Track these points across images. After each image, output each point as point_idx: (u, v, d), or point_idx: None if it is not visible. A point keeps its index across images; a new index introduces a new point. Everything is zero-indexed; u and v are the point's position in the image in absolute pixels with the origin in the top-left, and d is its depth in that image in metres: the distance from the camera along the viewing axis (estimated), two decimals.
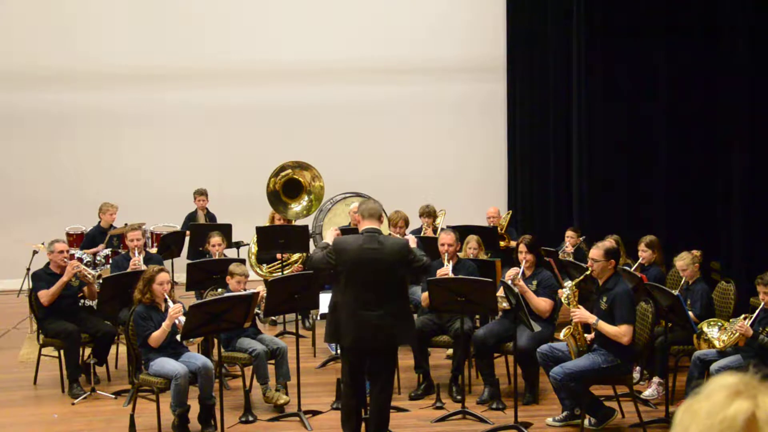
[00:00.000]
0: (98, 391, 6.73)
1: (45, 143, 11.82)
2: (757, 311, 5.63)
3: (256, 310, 6.27)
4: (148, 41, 11.74)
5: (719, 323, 5.79)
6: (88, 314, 7.21)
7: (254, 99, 11.89)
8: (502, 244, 9.02)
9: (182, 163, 11.76)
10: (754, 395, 1.31)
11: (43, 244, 8.02)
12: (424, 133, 12.15)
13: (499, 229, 9.35)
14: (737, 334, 5.53)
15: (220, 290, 6.81)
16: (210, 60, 11.76)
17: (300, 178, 9.57)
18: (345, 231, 8.07)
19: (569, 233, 8.67)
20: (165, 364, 5.75)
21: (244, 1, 11.96)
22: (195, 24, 11.85)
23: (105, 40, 11.75)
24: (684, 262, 6.57)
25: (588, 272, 5.85)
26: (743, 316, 5.76)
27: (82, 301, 7.26)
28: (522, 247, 6.57)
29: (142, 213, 10.22)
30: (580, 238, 8.66)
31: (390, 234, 8.10)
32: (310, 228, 9.39)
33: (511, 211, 10.19)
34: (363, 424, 5.35)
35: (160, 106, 11.86)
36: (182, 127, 11.91)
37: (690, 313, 6.06)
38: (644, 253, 7.17)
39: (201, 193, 10.33)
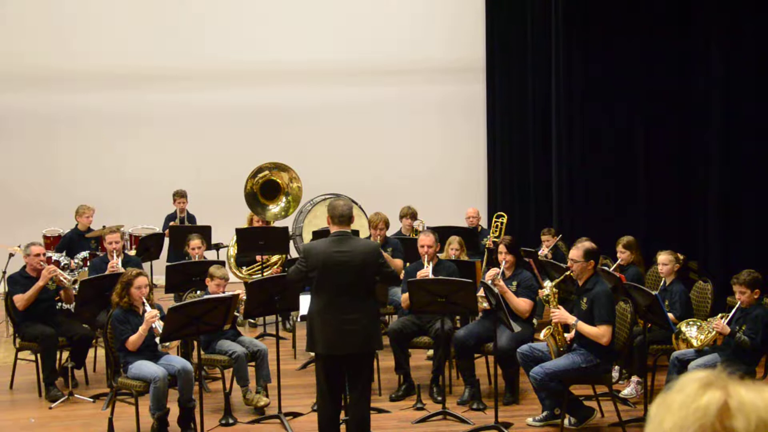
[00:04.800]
0: (76, 395, 6.67)
1: (21, 144, 11.71)
2: (733, 310, 5.69)
3: (236, 313, 6.24)
4: (131, 43, 11.68)
5: (697, 323, 5.84)
6: (66, 317, 7.14)
7: (235, 100, 11.85)
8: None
9: (161, 164, 11.69)
10: (725, 385, 1.35)
11: (19, 246, 7.94)
12: (405, 135, 12.16)
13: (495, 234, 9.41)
14: (714, 332, 5.59)
15: (199, 292, 6.77)
16: (190, 62, 11.70)
17: (278, 180, 9.55)
18: (326, 233, 8.09)
19: (544, 237, 8.73)
20: (143, 367, 5.71)
21: (228, 3, 11.91)
22: (176, 26, 11.79)
23: (92, 42, 11.66)
24: (666, 257, 6.60)
25: (568, 273, 5.88)
26: (720, 315, 5.81)
27: (59, 304, 7.19)
28: (502, 248, 6.60)
29: (121, 214, 10.15)
30: (556, 237, 8.70)
31: (369, 236, 8.12)
32: (290, 229, 9.37)
33: (505, 215, 10.06)
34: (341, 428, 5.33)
35: (140, 107, 11.78)
36: (161, 128, 11.85)
37: (669, 314, 6.11)
38: (622, 255, 7.22)
39: (181, 195, 10.26)
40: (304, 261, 5.10)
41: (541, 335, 5.89)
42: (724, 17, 7.98)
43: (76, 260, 8.40)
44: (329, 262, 5.00)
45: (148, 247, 9.31)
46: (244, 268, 9.11)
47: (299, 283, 5.29)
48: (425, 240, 6.79)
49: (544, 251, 8.52)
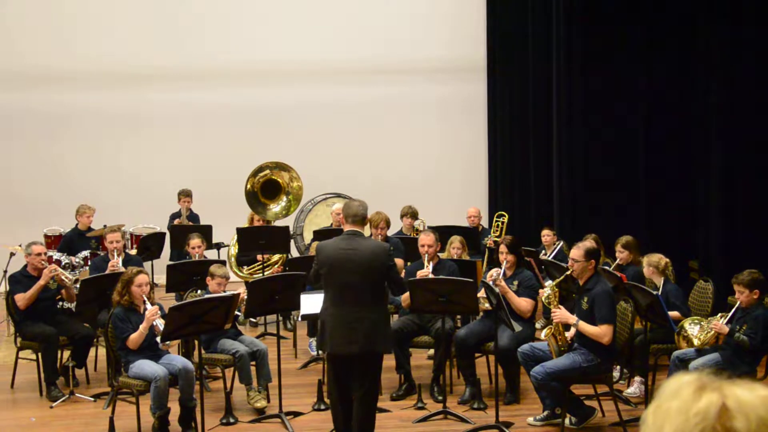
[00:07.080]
0: (77, 394, 6.68)
1: (22, 144, 11.72)
2: (733, 310, 5.69)
3: (237, 312, 6.24)
4: (131, 43, 11.68)
5: (700, 322, 5.83)
6: (67, 317, 7.15)
7: (235, 100, 11.86)
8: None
9: (161, 164, 11.70)
10: (719, 387, 1.36)
11: (20, 246, 7.94)
12: (405, 135, 12.17)
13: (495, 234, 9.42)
14: (713, 332, 5.59)
15: (200, 292, 6.77)
16: (190, 62, 11.71)
17: (278, 179, 9.55)
18: (327, 232, 8.10)
19: (545, 237, 8.72)
20: (144, 367, 5.71)
21: (228, 3, 11.92)
22: (176, 26, 11.80)
23: (92, 42, 11.67)
24: (651, 259, 6.56)
25: (568, 272, 5.89)
26: (720, 315, 5.81)
27: (60, 303, 7.19)
28: (503, 248, 6.60)
29: (122, 214, 10.15)
30: (556, 239, 8.69)
31: (371, 235, 8.13)
32: (290, 229, 9.38)
33: (506, 214, 10.10)
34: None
35: (140, 107, 11.80)
36: (161, 128, 11.85)
37: (675, 312, 6.10)
38: (621, 254, 7.21)
39: (186, 194, 10.26)
40: (316, 258, 5.16)
41: (542, 335, 5.90)
42: (725, 21, 7.99)
43: (77, 259, 8.40)
44: (336, 259, 5.03)
45: (148, 246, 9.31)
46: (245, 267, 9.12)
47: (317, 283, 5.26)
48: (426, 239, 6.79)
49: (545, 253, 8.51)
